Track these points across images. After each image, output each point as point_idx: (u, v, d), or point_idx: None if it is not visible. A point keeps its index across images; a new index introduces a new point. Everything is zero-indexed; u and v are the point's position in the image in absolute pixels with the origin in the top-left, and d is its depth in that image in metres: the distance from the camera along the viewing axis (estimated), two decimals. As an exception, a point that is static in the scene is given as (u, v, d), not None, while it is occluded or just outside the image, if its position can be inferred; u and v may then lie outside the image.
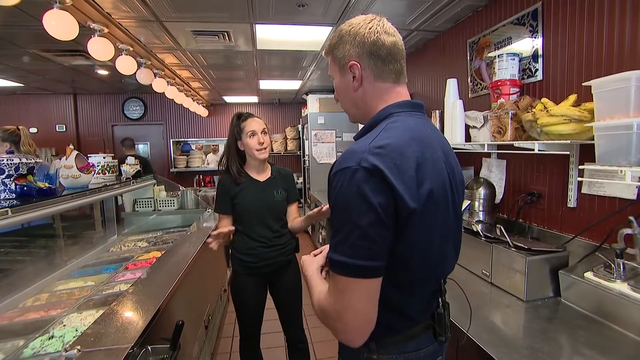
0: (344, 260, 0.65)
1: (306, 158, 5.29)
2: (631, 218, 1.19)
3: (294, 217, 1.82)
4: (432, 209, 0.69)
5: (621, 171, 1.07)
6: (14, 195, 1.56)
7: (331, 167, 0.71)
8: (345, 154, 0.69)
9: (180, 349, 1.13)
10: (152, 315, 1.19)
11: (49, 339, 1.24)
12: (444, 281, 0.86)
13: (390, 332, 0.76)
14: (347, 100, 0.84)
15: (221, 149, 6.29)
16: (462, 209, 1.91)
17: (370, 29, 0.75)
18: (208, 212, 3.26)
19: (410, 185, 0.65)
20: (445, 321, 0.84)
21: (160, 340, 1.16)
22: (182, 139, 6.26)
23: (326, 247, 0.90)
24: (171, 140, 6.10)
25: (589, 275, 1.24)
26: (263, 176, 1.76)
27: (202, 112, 5.72)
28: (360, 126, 0.84)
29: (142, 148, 6.12)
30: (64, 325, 1.34)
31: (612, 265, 1.19)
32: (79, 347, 0.97)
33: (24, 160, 1.58)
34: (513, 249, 1.41)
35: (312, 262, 0.87)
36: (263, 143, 1.66)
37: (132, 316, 1.20)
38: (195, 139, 6.32)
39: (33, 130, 5.46)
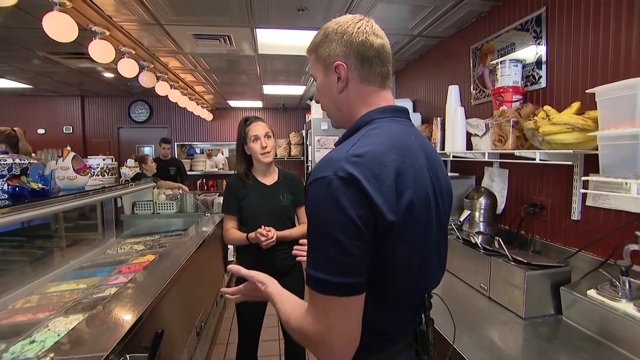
0: (324, 277, 0.60)
1: (309, 164, 5.26)
2: (638, 233, 1.12)
3: (303, 220, 1.82)
4: (412, 221, 0.64)
5: (626, 183, 1.01)
6: (6, 195, 1.55)
7: (308, 175, 0.68)
8: (321, 161, 0.65)
9: (160, 358, 1.09)
10: (134, 321, 1.15)
11: (30, 343, 1.21)
12: (428, 296, 0.81)
13: (369, 351, 0.71)
14: (329, 102, 0.80)
15: (220, 153, 6.35)
16: (462, 219, 1.86)
17: (358, 28, 0.72)
18: (207, 216, 3.24)
19: (389, 196, 0.61)
20: (429, 339, 0.79)
21: (142, 349, 1.13)
22: (187, 143, 6.30)
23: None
24: (176, 143, 6.14)
25: (592, 293, 1.17)
26: (269, 180, 1.77)
27: (207, 116, 5.75)
28: None
29: (148, 151, 6.17)
30: (48, 329, 1.32)
31: (617, 283, 1.12)
32: (52, 354, 0.94)
33: (17, 160, 1.57)
34: (512, 263, 1.35)
35: (268, 282, 0.83)
36: (266, 147, 1.67)
37: (113, 322, 1.17)
38: (200, 143, 6.36)
39: (41, 131, 5.55)
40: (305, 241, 1.09)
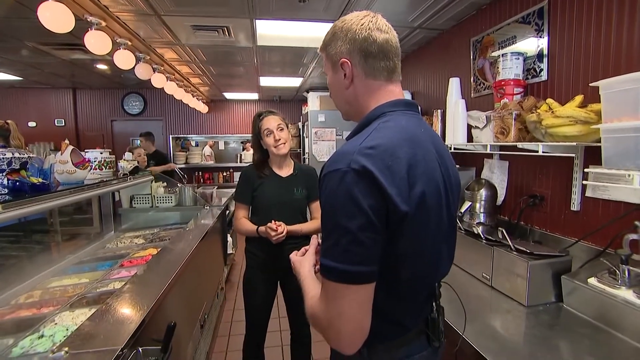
0: (334, 265, 0.62)
1: (306, 156, 5.25)
2: (637, 223, 1.16)
3: (315, 215, 1.82)
4: (424, 211, 0.66)
5: (629, 175, 1.04)
6: (6, 190, 1.53)
7: (321, 168, 0.69)
8: (335, 155, 0.67)
9: (172, 350, 1.10)
10: (144, 315, 1.16)
11: (39, 337, 1.21)
12: (438, 285, 0.83)
13: (381, 338, 0.74)
14: (339, 97, 0.82)
15: (208, 146, 6.31)
16: (463, 211, 1.89)
17: (362, 25, 0.74)
18: (206, 209, 3.23)
19: (402, 187, 0.63)
20: (439, 326, 0.81)
21: (152, 342, 1.14)
22: (182, 135, 6.23)
23: (314, 242, 0.89)
24: (170, 136, 6.07)
25: (592, 281, 1.21)
26: (285, 172, 1.78)
27: (202, 108, 5.68)
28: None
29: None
30: (55, 324, 1.32)
31: (617, 271, 1.16)
32: (66, 348, 0.94)
33: (16, 154, 1.55)
34: (515, 253, 1.38)
35: (303, 264, 0.85)
36: (279, 140, 1.68)
37: (123, 316, 1.17)
38: (196, 135, 6.30)
39: (32, 124, 5.43)
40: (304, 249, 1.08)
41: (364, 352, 0.73)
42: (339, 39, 0.76)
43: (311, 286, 0.76)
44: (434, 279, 0.81)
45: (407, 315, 0.76)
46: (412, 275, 0.71)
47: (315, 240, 0.90)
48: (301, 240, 1.76)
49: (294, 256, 0.89)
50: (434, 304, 0.82)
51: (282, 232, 1.61)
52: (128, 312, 1.20)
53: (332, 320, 0.64)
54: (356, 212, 0.61)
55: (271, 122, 1.68)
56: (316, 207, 1.83)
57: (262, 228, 1.64)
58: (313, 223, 1.79)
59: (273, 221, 1.62)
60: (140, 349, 1.05)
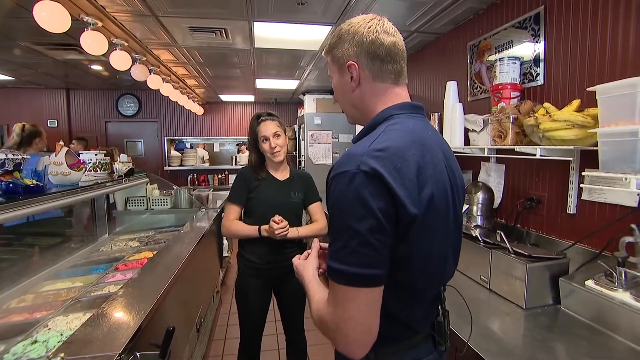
0: (343, 268, 0.62)
1: (302, 159, 5.25)
2: (633, 226, 1.17)
3: (315, 218, 1.80)
4: (433, 214, 0.66)
5: (625, 178, 1.05)
6: (-1, 192, 1.49)
7: (329, 170, 0.69)
8: (343, 157, 0.66)
9: (170, 355, 1.08)
10: (142, 319, 1.14)
11: (32, 343, 1.18)
12: (443, 288, 0.84)
13: (389, 341, 0.73)
14: (345, 100, 0.82)
15: (202, 148, 6.29)
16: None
17: (369, 28, 0.74)
18: (202, 211, 3.20)
19: (411, 189, 0.63)
20: (445, 330, 0.81)
21: (150, 347, 1.12)
22: (177, 137, 6.18)
23: (315, 245, 0.88)
24: (165, 138, 6.01)
25: (590, 283, 1.22)
26: (282, 175, 1.77)
27: (198, 110, 5.66)
28: (359, 128, 0.82)
29: (138, 145, 6.04)
30: (49, 329, 1.29)
31: (614, 273, 1.17)
32: (62, 354, 0.92)
33: (10, 156, 1.52)
34: (513, 255, 1.39)
35: (306, 267, 0.84)
36: (275, 147, 1.66)
37: (120, 320, 1.15)
38: (191, 137, 6.25)
39: (23, 125, 5.34)
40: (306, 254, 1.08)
41: (371, 356, 0.73)
42: (346, 41, 0.75)
43: (316, 290, 0.75)
44: (440, 281, 0.81)
45: (414, 318, 0.76)
46: (420, 277, 0.71)
47: (316, 243, 0.89)
48: (297, 244, 1.75)
49: (297, 260, 0.88)
50: (439, 307, 0.82)
51: (286, 226, 1.58)
52: (125, 316, 1.18)
53: (340, 324, 0.64)
54: (366, 214, 0.60)
55: (268, 128, 1.66)
56: (314, 209, 1.81)
57: (265, 226, 1.61)
58: (310, 227, 1.77)
59: (275, 215, 1.59)
60: (138, 354, 1.03)
